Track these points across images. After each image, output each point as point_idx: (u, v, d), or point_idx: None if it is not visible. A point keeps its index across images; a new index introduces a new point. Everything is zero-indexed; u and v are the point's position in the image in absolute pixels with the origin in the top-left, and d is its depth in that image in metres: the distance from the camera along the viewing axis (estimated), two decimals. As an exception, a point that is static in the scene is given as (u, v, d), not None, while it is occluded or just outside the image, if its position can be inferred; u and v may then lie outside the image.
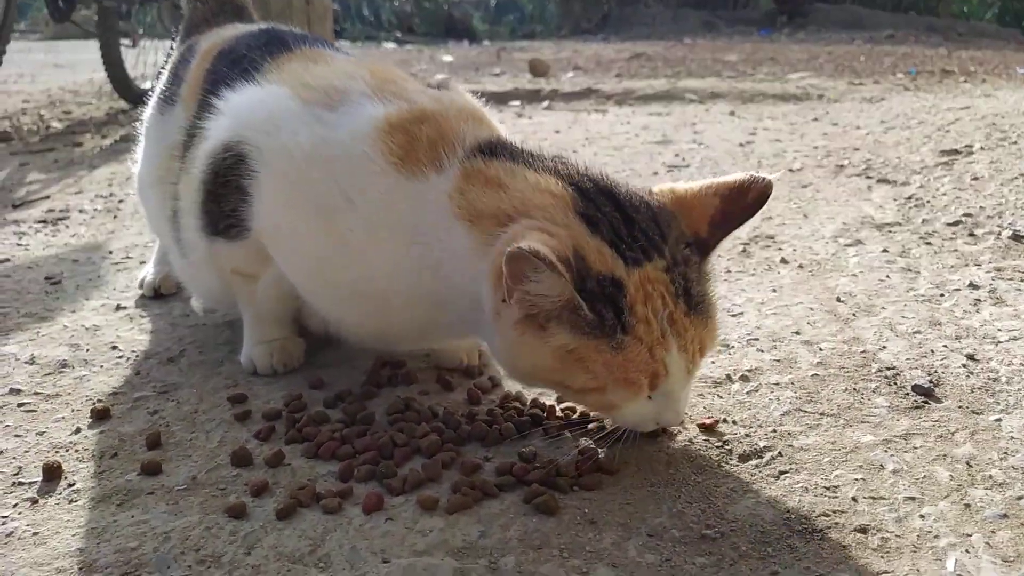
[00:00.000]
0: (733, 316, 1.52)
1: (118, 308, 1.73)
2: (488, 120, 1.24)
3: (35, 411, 1.30)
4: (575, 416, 1.19)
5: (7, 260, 2.07)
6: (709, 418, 1.16)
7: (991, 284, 1.59)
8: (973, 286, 1.59)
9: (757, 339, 1.41)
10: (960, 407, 1.16)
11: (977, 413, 1.14)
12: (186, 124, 1.45)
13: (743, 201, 1.05)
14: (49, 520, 1.02)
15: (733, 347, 1.40)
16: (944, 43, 8.21)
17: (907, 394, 1.20)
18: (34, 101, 5.29)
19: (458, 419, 1.18)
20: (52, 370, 1.44)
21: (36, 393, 1.36)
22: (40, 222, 2.45)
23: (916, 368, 1.28)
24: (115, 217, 2.48)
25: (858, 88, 4.51)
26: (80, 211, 2.57)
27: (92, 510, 1.04)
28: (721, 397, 1.24)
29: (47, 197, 2.75)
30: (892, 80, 4.87)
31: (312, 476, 1.08)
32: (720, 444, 1.11)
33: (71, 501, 1.06)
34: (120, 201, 2.67)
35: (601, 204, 1.03)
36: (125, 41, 4.59)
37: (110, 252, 2.12)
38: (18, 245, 2.21)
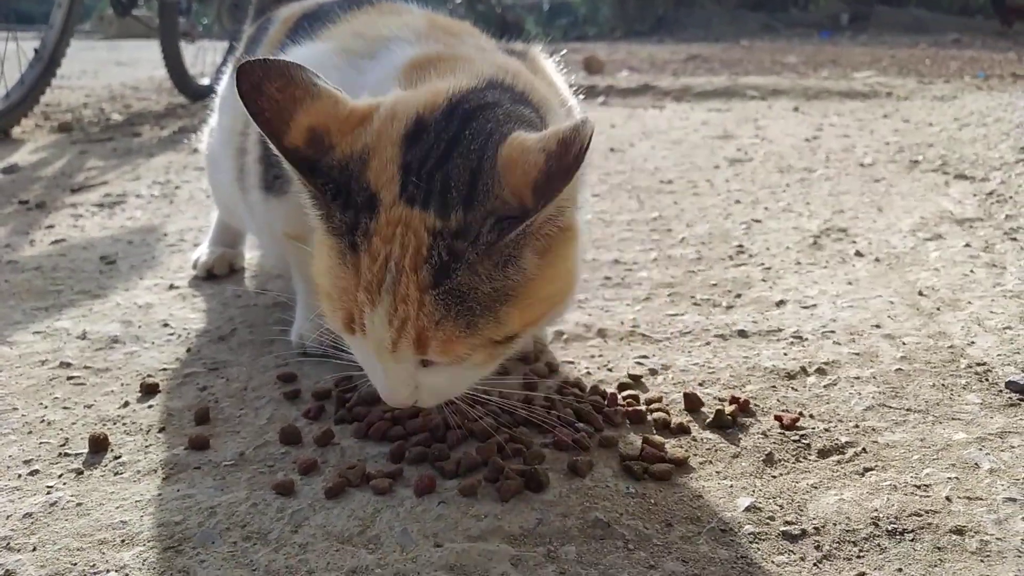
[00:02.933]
0: (805, 308, 1.44)
1: (171, 287, 1.71)
2: (530, 81, 1.06)
3: (84, 384, 1.28)
4: (637, 407, 1.12)
5: (63, 240, 2.08)
6: (784, 411, 1.08)
7: (1087, 281, 1.48)
8: (1066, 283, 1.48)
9: (833, 331, 1.33)
10: (1061, 406, 1.06)
11: (1081, 413, 1.05)
12: None
13: (565, 159, 0.76)
14: (93, 491, 0.99)
15: (807, 339, 1.31)
16: (1013, 47, 7.90)
17: (1000, 391, 1.11)
18: (96, 96, 5.39)
19: (514, 403, 1.12)
20: (103, 345, 1.42)
21: (86, 367, 1.34)
22: (97, 205, 2.46)
23: (1009, 364, 1.18)
24: (171, 202, 2.49)
25: (928, 87, 4.34)
26: (137, 196, 2.58)
27: (137, 483, 1.01)
28: (796, 390, 1.16)
29: (105, 183, 2.78)
30: (962, 82, 4.68)
31: (362, 456, 1.04)
32: (797, 439, 1.03)
33: (116, 473, 1.03)
34: (176, 187, 2.67)
35: (447, 127, 0.85)
36: (184, 38, 4.66)
37: (165, 234, 2.12)
38: (74, 227, 2.22)
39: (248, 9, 1.90)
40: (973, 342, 1.26)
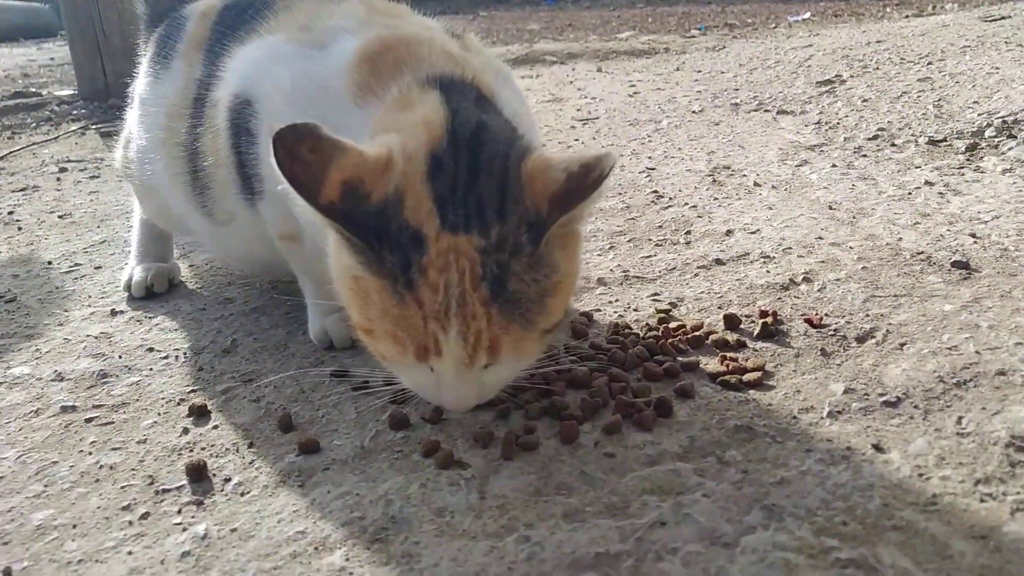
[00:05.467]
0: (752, 233, 1.65)
1: (114, 313, 1.57)
2: (472, 67, 1.14)
3: (112, 423, 1.18)
4: (692, 333, 1.26)
5: (-77, 288, 1.80)
6: (804, 315, 1.28)
7: (942, 180, 1.84)
8: (928, 183, 1.83)
9: (791, 248, 1.55)
10: (998, 273, 1.36)
11: (1014, 275, 1.34)
12: (193, 77, 1.37)
13: (585, 180, 0.88)
14: (236, 515, 0.95)
15: (774, 257, 1.52)
16: (712, 1, 8.95)
17: (949, 270, 1.38)
18: None
19: (588, 350, 1.22)
20: (93, 382, 1.30)
21: (95, 406, 1.23)
22: (-76, 246, 2.13)
23: (941, 251, 1.47)
24: (19, 229, 2.21)
25: (692, 41, 4.86)
26: (-35, 230, 2.26)
27: (274, 496, 0.98)
28: (798, 298, 1.36)
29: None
30: (719, 34, 5.29)
31: (480, 423, 1.08)
32: (832, 333, 1.23)
33: (243, 494, 0.99)
34: (10, 212, 2.37)
35: (461, 154, 0.93)
36: None
37: (49, 262, 1.90)
38: (-82, 272, 1.92)
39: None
40: (901, 238, 1.54)
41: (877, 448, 0.96)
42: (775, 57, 3.69)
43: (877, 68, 3.04)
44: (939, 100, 2.47)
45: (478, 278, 0.87)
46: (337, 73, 1.12)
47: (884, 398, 1.05)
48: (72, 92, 4.54)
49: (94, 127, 3.65)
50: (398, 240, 0.88)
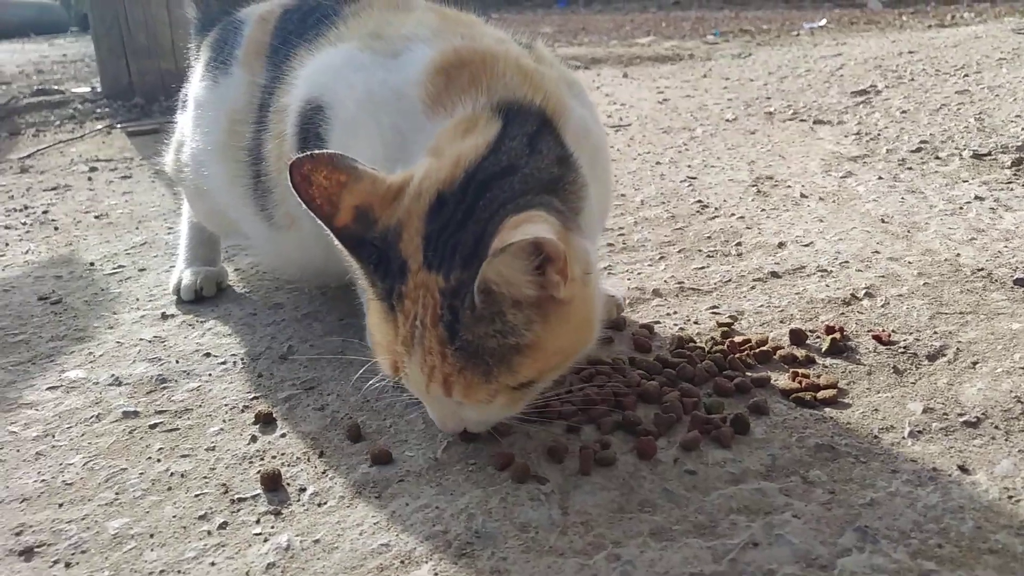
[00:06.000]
0: (805, 246, 1.64)
1: (165, 317, 1.57)
2: (545, 84, 1.13)
3: (177, 430, 1.17)
4: (759, 348, 1.25)
5: (-34, 287, 1.80)
6: (879, 327, 1.27)
7: (991, 195, 1.83)
8: (978, 198, 1.82)
9: (848, 262, 1.54)
10: (1063, 291, 1.35)
11: (1080, 293, 1.33)
12: (257, 83, 1.38)
13: (535, 257, 0.86)
14: (316, 527, 0.94)
15: (832, 271, 1.51)
16: (725, 6, 8.95)
17: (1012, 288, 1.37)
18: None
19: (655, 364, 1.21)
20: (152, 387, 1.30)
21: (158, 412, 1.22)
22: (-38, 244, 2.13)
23: (1001, 267, 1.45)
24: (55, 228, 2.21)
25: (715, 47, 4.85)
26: (4, 227, 2.26)
27: (352, 508, 0.97)
28: (862, 313, 1.35)
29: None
30: (740, 40, 5.28)
31: (551, 438, 1.07)
32: (902, 351, 1.22)
33: (319, 505, 0.99)
34: (45, 212, 2.37)
35: (468, 196, 0.93)
36: None
37: (91, 264, 1.90)
38: (-39, 271, 1.92)
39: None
40: (959, 254, 1.53)
41: (963, 469, 0.95)
42: (804, 65, 3.68)
43: (912, 79, 3.03)
44: (980, 113, 2.46)
45: (437, 317, 0.90)
46: (411, 83, 1.12)
47: (964, 418, 1.04)
48: (89, 89, 4.55)
49: (119, 126, 3.65)
50: (391, 269, 0.93)
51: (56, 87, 4.79)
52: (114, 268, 1.86)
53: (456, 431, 1.02)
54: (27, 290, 1.75)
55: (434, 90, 1.10)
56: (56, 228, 2.21)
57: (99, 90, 4.37)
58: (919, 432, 1.02)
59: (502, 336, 0.90)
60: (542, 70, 1.18)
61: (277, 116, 1.30)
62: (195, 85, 1.54)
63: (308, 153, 0.94)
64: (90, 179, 2.76)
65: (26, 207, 2.45)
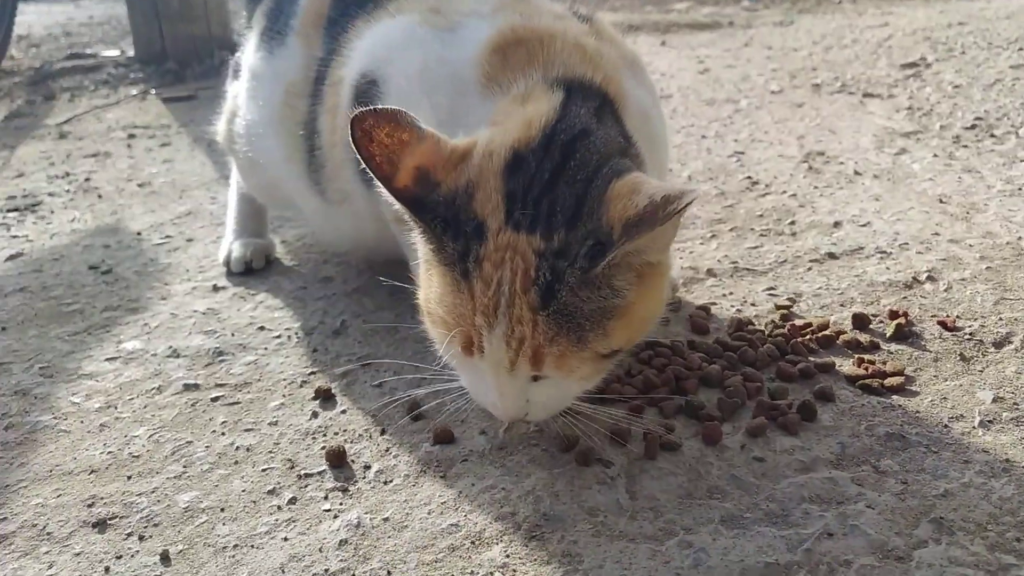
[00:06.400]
0: (863, 226, 1.61)
1: (216, 289, 1.57)
2: (604, 65, 1.11)
3: (238, 403, 1.18)
4: (821, 332, 1.23)
5: (20, 254, 1.82)
6: (943, 312, 1.25)
7: (1052, 175, 1.78)
8: (1038, 178, 1.78)
9: (907, 244, 1.51)
10: None
11: None
12: (314, 55, 1.36)
13: (663, 210, 0.83)
14: (384, 504, 0.95)
15: (891, 253, 1.49)
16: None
17: (1079, 273, 1.34)
18: None
19: (715, 347, 1.20)
20: (211, 360, 1.31)
21: (218, 385, 1.24)
22: (13, 211, 2.15)
23: (1066, 251, 1.42)
24: (99, 196, 2.22)
25: (758, 15, 4.74)
26: (49, 194, 2.27)
27: (417, 487, 0.98)
28: (924, 298, 1.32)
29: (-7, 183, 2.41)
30: (785, 6, 5.16)
31: (613, 420, 1.07)
32: (968, 336, 1.20)
33: (385, 483, 0.99)
34: (87, 179, 2.38)
35: (549, 157, 0.91)
36: None
37: (138, 233, 1.91)
38: (11, 237, 1.94)
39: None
40: (1020, 237, 1.49)
41: (1038, 462, 0.93)
42: (850, 36, 3.59)
43: (963, 52, 2.95)
44: (1036, 88, 2.40)
45: (529, 281, 0.85)
46: (467, 61, 1.11)
47: (1037, 409, 1.02)
48: (119, 53, 4.54)
49: (154, 92, 3.65)
50: (462, 230, 0.88)
51: (88, 51, 4.78)
52: (161, 238, 1.87)
53: (518, 417, 0.94)
54: (76, 259, 1.77)
55: (490, 69, 1.09)
56: (100, 196, 2.22)
57: (130, 54, 4.37)
58: (990, 422, 1.00)
59: (603, 299, 0.86)
60: (602, 49, 1.15)
61: (332, 89, 1.29)
62: (249, 55, 1.53)
63: (371, 108, 0.89)
64: (129, 146, 2.76)
65: (68, 174, 2.46)
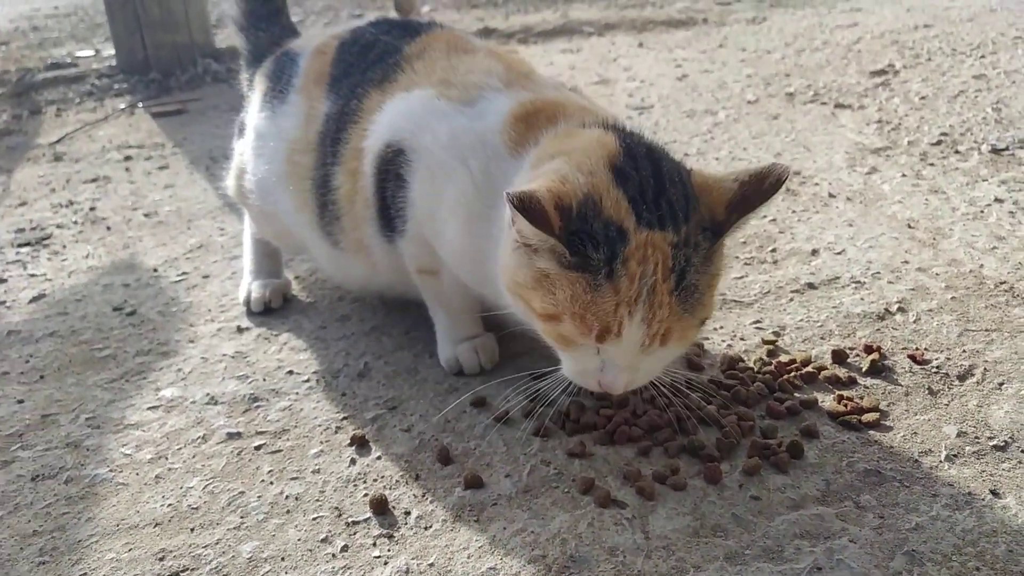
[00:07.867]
0: (837, 254, 1.75)
1: (240, 330, 1.68)
2: (606, 113, 1.31)
3: (280, 452, 1.30)
4: (804, 369, 1.37)
5: (42, 295, 1.90)
6: (912, 344, 1.39)
7: (1010, 196, 1.93)
8: (998, 200, 1.92)
9: (879, 273, 1.65)
10: (1082, 307, 1.46)
11: (1097, 310, 1.45)
12: (317, 113, 1.49)
13: (761, 186, 1.08)
14: (427, 550, 1.07)
15: (865, 283, 1.63)
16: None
17: (1033, 303, 1.49)
18: None
19: (710, 385, 1.33)
20: (247, 407, 1.42)
21: (259, 433, 1.35)
22: (23, 245, 2.22)
23: (1021, 280, 1.57)
24: (108, 228, 2.30)
25: (730, 9, 4.85)
26: (57, 226, 2.35)
27: (454, 532, 1.10)
28: (895, 329, 1.46)
29: None
30: (749, 1, 5.27)
31: (624, 461, 1.20)
32: (935, 370, 1.34)
33: (425, 528, 1.11)
34: (91, 209, 2.45)
35: (642, 166, 1.10)
36: None
37: (155, 270, 2.00)
38: (29, 275, 2.02)
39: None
40: (982, 264, 1.64)
41: (995, 493, 1.08)
42: (821, 37, 3.72)
43: (929, 59, 3.09)
44: (997, 102, 2.54)
45: (668, 270, 1.03)
46: (494, 131, 1.26)
47: (993, 442, 1.16)
48: (94, 52, 4.56)
49: (141, 105, 3.69)
50: (603, 236, 1.03)
51: (68, 60, 4.78)
52: (178, 275, 1.96)
53: (626, 388, 1.12)
54: (99, 299, 1.86)
55: (515, 135, 1.25)
56: (108, 228, 2.30)
57: (104, 53, 4.39)
58: (954, 456, 1.15)
59: (709, 275, 1.08)
60: (597, 111, 1.33)
61: (352, 154, 1.40)
62: (253, 115, 1.63)
63: (517, 192, 1.01)
64: (127, 169, 2.83)
65: (71, 202, 2.53)
